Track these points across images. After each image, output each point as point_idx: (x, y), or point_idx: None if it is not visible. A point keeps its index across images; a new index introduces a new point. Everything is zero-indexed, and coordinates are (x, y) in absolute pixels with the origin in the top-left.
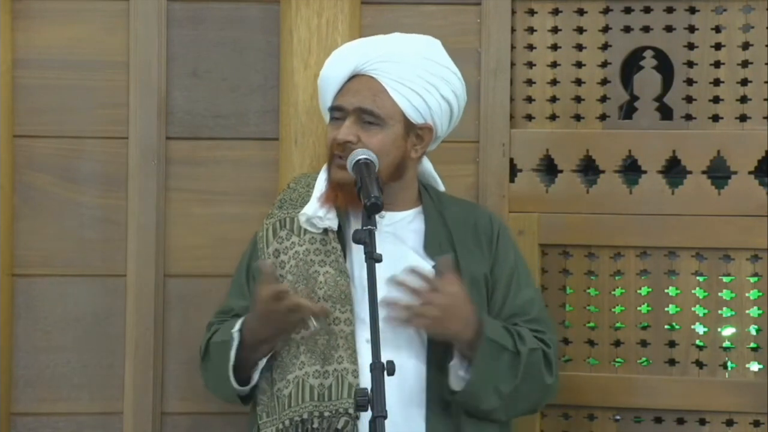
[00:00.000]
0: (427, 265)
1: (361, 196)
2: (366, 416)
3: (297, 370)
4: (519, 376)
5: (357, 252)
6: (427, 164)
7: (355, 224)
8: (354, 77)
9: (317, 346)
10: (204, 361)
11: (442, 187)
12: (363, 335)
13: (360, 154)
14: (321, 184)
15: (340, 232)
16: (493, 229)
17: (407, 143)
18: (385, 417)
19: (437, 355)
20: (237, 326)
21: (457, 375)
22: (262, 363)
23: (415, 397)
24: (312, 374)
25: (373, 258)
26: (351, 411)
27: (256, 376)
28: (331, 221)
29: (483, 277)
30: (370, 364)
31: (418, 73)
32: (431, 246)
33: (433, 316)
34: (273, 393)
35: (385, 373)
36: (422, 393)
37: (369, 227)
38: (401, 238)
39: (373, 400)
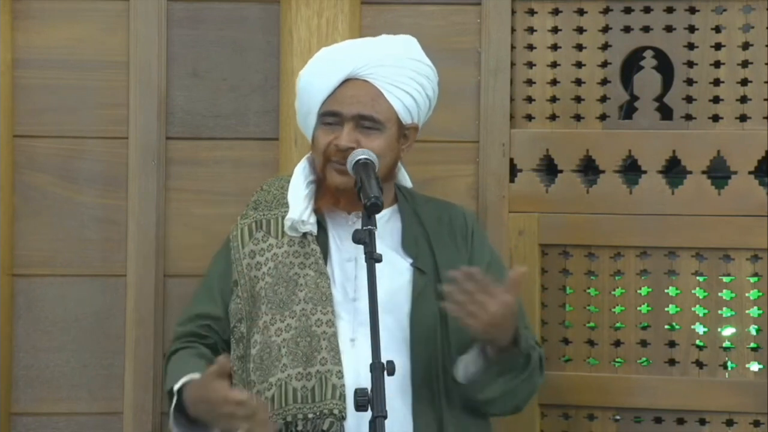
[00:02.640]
0: (405, 263)
1: (361, 196)
2: (352, 416)
3: (279, 372)
4: (523, 377)
5: (337, 253)
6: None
7: (332, 226)
8: (347, 81)
9: (299, 348)
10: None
11: (410, 184)
12: (345, 335)
13: (360, 154)
14: (299, 185)
15: (319, 234)
16: (467, 226)
17: (399, 144)
18: (385, 417)
19: (420, 352)
20: (177, 385)
21: (466, 369)
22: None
23: (402, 393)
24: (295, 377)
25: (373, 258)
26: (336, 412)
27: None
28: (312, 225)
29: None
30: (370, 364)
31: (410, 76)
32: (408, 244)
33: (482, 320)
34: (252, 396)
35: (385, 373)
36: (408, 388)
37: (369, 227)
38: (379, 236)
39: (373, 400)
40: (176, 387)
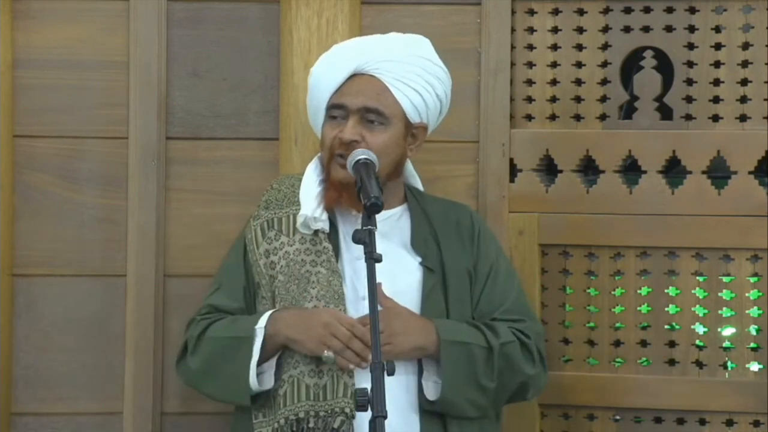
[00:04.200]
0: (414, 262)
1: (361, 196)
2: (361, 416)
3: (291, 369)
4: (496, 370)
5: (347, 252)
6: (407, 163)
7: (342, 224)
8: (354, 76)
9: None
10: (193, 356)
11: (420, 186)
12: None
13: (360, 154)
14: (311, 183)
15: (330, 232)
16: (474, 226)
17: (406, 142)
18: (385, 417)
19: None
20: (262, 322)
21: (433, 383)
22: (272, 363)
23: (408, 391)
24: (307, 373)
25: (373, 258)
26: (347, 410)
27: (268, 379)
28: (324, 223)
29: (467, 273)
30: (370, 365)
31: (417, 73)
32: (418, 242)
33: (384, 343)
34: (269, 393)
35: (385, 373)
36: (414, 387)
37: (369, 227)
38: (388, 235)
39: (373, 400)
40: (260, 324)
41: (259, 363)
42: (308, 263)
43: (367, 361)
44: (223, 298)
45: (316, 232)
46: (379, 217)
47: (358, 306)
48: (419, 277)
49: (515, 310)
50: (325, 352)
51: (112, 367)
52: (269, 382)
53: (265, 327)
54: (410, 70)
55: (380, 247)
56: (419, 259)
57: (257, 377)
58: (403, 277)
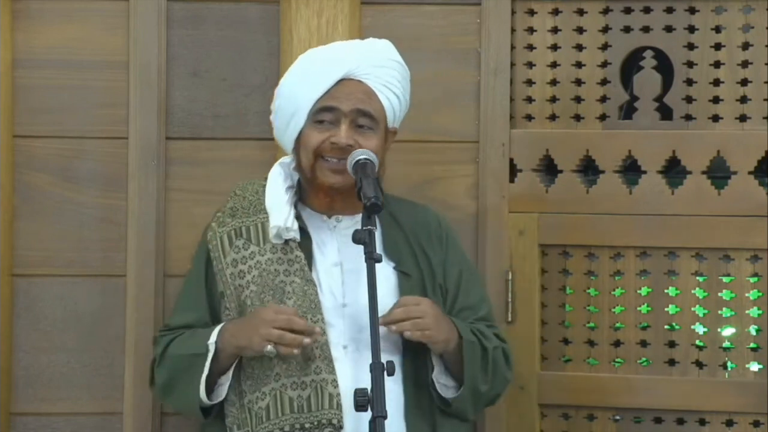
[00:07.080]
0: (388, 267)
1: (361, 197)
2: (348, 422)
3: (273, 381)
4: (489, 373)
5: (322, 259)
6: None
7: (313, 231)
8: (342, 81)
9: (292, 357)
10: (159, 373)
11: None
12: (337, 341)
13: (360, 154)
14: (278, 190)
15: (302, 240)
16: (441, 230)
17: (385, 146)
18: (385, 417)
19: (412, 355)
20: (213, 338)
21: (444, 384)
22: (229, 375)
23: (395, 396)
24: (290, 386)
25: (372, 258)
26: (335, 421)
27: (224, 390)
28: (296, 233)
29: (440, 275)
30: (370, 364)
31: (395, 76)
32: (389, 247)
33: (429, 326)
34: (243, 405)
35: (385, 373)
36: (401, 392)
37: (369, 227)
38: None
39: (373, 400)
40: (212, 340)
41: (218, 376)
42: (281, 273)
43: (305, 338)
44: (181, 318)
45: (286, 241)
46: (349, 223)
47: (339, 313)
48: (395, 282)
49: (489, 318)
50: (267, 347)
51: (112, 367)
52: (223, 394)
53: (216, 342)
54: (391, 74)
55: (352, 253)
56: (393, 264)
57: (217, 389)
58: (380, 283)
